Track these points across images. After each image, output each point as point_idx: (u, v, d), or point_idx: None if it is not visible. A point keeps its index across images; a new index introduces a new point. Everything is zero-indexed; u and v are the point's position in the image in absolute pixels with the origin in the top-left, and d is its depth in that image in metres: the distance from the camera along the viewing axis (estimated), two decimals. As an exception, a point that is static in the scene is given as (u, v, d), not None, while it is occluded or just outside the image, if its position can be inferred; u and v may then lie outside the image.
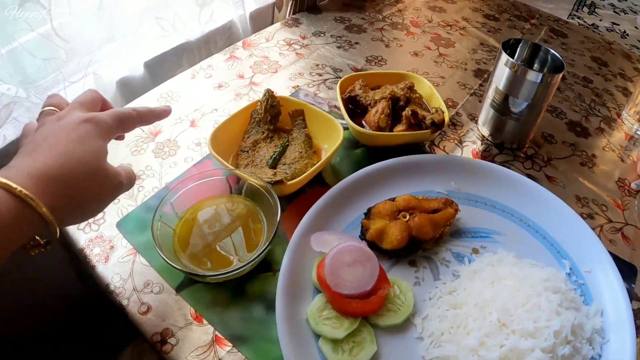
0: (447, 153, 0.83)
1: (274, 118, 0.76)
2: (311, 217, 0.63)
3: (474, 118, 0.92)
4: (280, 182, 0.64)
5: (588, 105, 1.03)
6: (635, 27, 1.68)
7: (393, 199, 0.65)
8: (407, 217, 0.62)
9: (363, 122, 0.79)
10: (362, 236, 0.62)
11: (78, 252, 0.63)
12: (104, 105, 0.53)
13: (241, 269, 0.56)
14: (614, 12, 1.78)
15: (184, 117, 0.84)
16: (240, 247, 0.61)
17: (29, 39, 0.75)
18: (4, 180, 0.38)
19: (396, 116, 0.78)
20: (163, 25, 1.01)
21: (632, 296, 0.64)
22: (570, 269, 0.63)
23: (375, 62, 1.05)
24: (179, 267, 0.54)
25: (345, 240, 0.59)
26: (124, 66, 0.95)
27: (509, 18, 1.35)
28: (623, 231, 0.74)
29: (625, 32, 1.63)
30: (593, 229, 0.71)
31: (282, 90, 0.93)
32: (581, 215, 0.74)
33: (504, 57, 0.76)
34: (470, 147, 0.85)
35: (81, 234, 0.64)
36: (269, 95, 0.75)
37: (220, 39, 1.13)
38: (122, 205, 0.68)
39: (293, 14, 1.21)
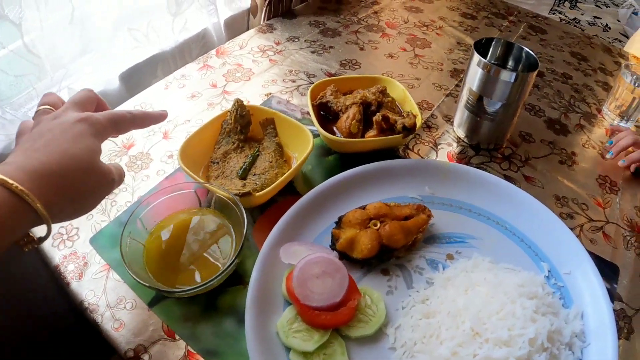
0: (422, 157, 0.82)
1: (244, 128, 0.75)
2: (281, 228, 0.62)
3: (449, 119, 0.91)
4: (248, 193, 0.62)
5: (567, 101, 1.02)
6: (617, 20, 1.68)
7: (364, 207, 0.63)
8: (378, 225, 0.61)
9: (334, 128, 0.78)
10: (333, 246, 0.61)
11: (53, 269, 0.62)
12: (99, 104, 0.54)
13: (209, 284, 0.54)
14: (596, 5, 1.78)
15: (156, 129, 0.83)
16: (208, 262, 0.59)
17: (0, 56, 0.74)
18: (0, 176, 0.39)
19: (368, 121, 0.76)
20: (136, 36, 1.00)
21: (614, 297, 0.63)
22: (549, 271, 0.62)
23: (350, 66, 1.04)
24: (147, 284, 0.53)
25: (315, 251, 0.59)
26: (99, 79, 0.94)
27: (486, 16, 1.35)
28: (604, 230, 0.73)
29: (607, 25, 1.63)
30: (573, 228, 0.71)
31: (255, 98, 0.91)
32: (560, 215, 0.73)
33: (476, 57, 0.75)
34: (446, 149, 0.84)
35: (56, 250, 0.64)
36: (239, 105, 0.74)
37: (195, 48, 1.12)
38: (95, 221, 0.67)
39: (268, 19, 1.19)
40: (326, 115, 0.81)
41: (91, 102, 0.52)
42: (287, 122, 0.75)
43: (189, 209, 0.64)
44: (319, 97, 0.81)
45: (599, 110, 1.00)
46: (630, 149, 0.84)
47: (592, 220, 0.74)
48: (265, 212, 0.69)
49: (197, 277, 0.57)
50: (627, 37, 1.87)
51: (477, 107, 0.79)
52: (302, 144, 0.72)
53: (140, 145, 0.79)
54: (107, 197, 0.59)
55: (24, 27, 0.75)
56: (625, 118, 0.95)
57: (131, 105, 0.88)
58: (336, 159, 0.78)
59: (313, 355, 0.51)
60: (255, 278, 0.57)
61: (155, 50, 1.03)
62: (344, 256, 0.60)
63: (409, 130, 0.71)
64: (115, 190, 0.71)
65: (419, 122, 0.73)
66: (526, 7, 1.45)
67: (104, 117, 0.49)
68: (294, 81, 0.97)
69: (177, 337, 0.55)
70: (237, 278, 0.61)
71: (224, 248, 0.60)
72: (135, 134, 0.81)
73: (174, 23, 1.05)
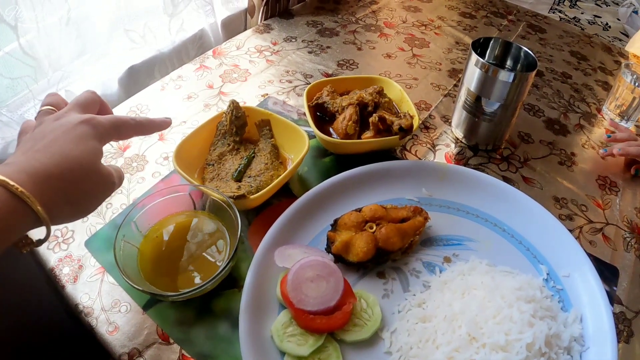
0: (419, 158, 0.81)
1: (239, 129, 0.74)
2: (276, 231, 0.62)
3: (447, 120, 0.90)
4: (242, 196, 0.62)
5: (567, 101, 1.01)
6: (617, 19, 1.67)
7: (359, 210, 0.63)
8: (374, 227, 0.60)
9: (331, 129, 0.77)
10: (329, 249, 0.60)
11: (48, 272, 0.62)
12: (101, 107, 0.54)
13: (202, 288, 0.54)
14: (596, 4, 1.77)
15: (152, 130, 0.82)
16: (203, 265, 0.59)
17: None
18: (1, 178, 0.39)
19: (365, 122, 0.76)
20: (133, 37, 0.99)
21: (613, 299, 0.63)
22: (548, 274, 0.61)
23: (347, 66, 1.03)
24: (140, 288, 0.52)
25: (310, 254, 0.58)
26: (96, 81, 0.94)
27: (485, 15, 1.34)
28: (604, 231, 0.72)
29: (607, 24, 1.62)
30: (572, 230, 0.70)
31: (252, 99, 0.91)
32: (560, 216, 0.73)
33: (474, 57, 0.74)
34: (444, 150, 0.83)
35: (51, 253, 0.63)
36: (234, 106, 0.73)
37: (192, 49, 1.11)
38: (90, 224, 0.66)
39: (265, 19, 1.19)
40: (323, 116, 0.80)
41: (94, 104, 0.52)
42: (282, 123, 0.74)
43: (183, 211, 0.64)
44: (315, 97, 0.80)
45: (599, 110, 1.00)
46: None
47: (592, 222, 0.73)
48: (260, 214, 0.68)
49: (191, 281, 0.57)
50: (627, 36, 1.86)
51: (475, 108, 0.78)
52: (298, 145, 0.71)
53: (136, 147, 0.79)
54: (104, 199, 0.59)
55: (20, 29, 0.75)
56: (626, 118, 0.94)
57: (127, 106, 0.88)
58: (332, 160, 0.77)
59: (307, 359, 0.51)
60: (249, 281, 0.56)
61: (152, 52, 1.03)
62: (339, 259, 0.59)
63: (406, 131, 0.70)
64: (111, 193, 0.71)
65: (416, 123, 0.73)
66: (525, 6, 1.44)
67: (107, 121, 0.49)
68: (290, 82, 0.97)
69: (171, 340, 0.55)
70: (232, 281, 0.60)
71: (218, 251, 0.60)
72: (131, 136, 0.80)
73: (170, 24, 1.05)
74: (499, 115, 0.77)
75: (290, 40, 1.11)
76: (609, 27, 1.59)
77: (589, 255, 0.61)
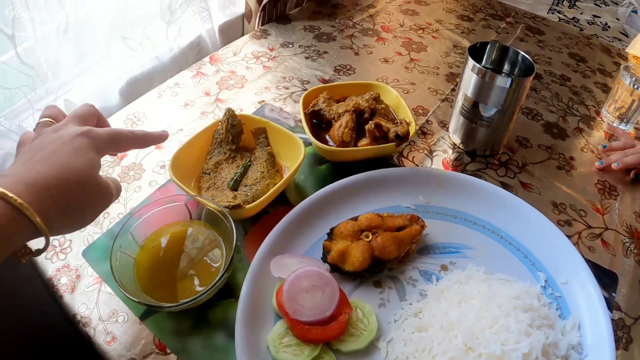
0: (417, 164, 0.81)
1: (235, 137, 0.74)
2: (272, 241, 0.61)
3: (445, 125, 0.90)
4: (238, 206, 0.61)
5: (565, 104, 1.00)
6: (617, 19, 1.66)
7: (355, 218, 0.62)
8: (370, 237, 0.60)
9: (327, 137, 0.77)
10: (325, 258, 0.60)
11: (46, 281, 0.62)
12: (99, 120, 0.54)
13: (198, 299, 0.54)
14: (595, 4, 1.77)
15: (149, 138, 0.82)
16: (199, 275, 0.58)
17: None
18: (1, 190, 0.39)
19: (361, 129, 0.75)
20: (131, 44, 0.99)
21: (612, 306, 0.62)
22: (546, 281, 0.61)
23: (344, 72, 1.03)
24: (136, 300, 0.52)
25: (306, 264, 0.58)
26: (95, 89, 0.94)
27: (483, 18, 1.33)
28: (603, 237, 0.72)
29: (606, 24, 1.61)
30: (571, 236, 0.70)
31: (248, 105, 0.90)
32: (558, 222, 0.72)
33: (471, 62, 0.74)
34: (441, 156, 0.83)
35: (49, 263, 0.63)
36: (230, 114, 0.73)
37: (190, 55, 1.11)
38: (88, 233, 0.66)
39: (262, 24, 1.19)
40: (319, 123, 0.80)
41: (92, 116, 0.52)
42: (278, 131, 0.74)
43: (179, 221, 0.64)
44: (311, 104, 0.80)
45: (598, 113, 0.99)
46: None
47: (591, 227, 0.73)
48: (257, 223, 0.68)
49: (188, 291, 0.57)
50: (627, 36, 1.86)
51: (472, 113, 0.78)
52: (294, 153, 0.71)
53: (133, 155, 0.79)
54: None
55: (17, 38, 0.75)
56: (625, 120, 0.93)
57: (124, 114, 0.87)
58: (329, 168, 0.77)
59: (304, 370, 0.51)
60: (245, 292, 0.56)
61: (150, 59, 1.02)
62: (335, 269, 0.59)
63: (402, 138, 0.70)
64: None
65: (412, 130, 0.72)
66: (524, 7, 1.43)
67: (105, 133, 0.49)
68: (287, 88, 0.96)
69: (168, 350, 0.55)
70: (228, 291, 0.60)
71: (214, 262, 0.60)
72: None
73: (168, 30, 1.05)
74: (496, 120, 0.77)
75: (287, 46, 1.11)
76: (609, 27, 1.58)
77: (588, 261, 0.61)
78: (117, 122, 0.86)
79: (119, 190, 0.53)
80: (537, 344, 0.50)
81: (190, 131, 0.83)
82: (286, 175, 0.69)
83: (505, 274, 0.60)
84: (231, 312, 0.57)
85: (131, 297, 0.52)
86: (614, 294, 0.64)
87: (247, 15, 1.19)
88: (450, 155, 0.83)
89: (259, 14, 1.17)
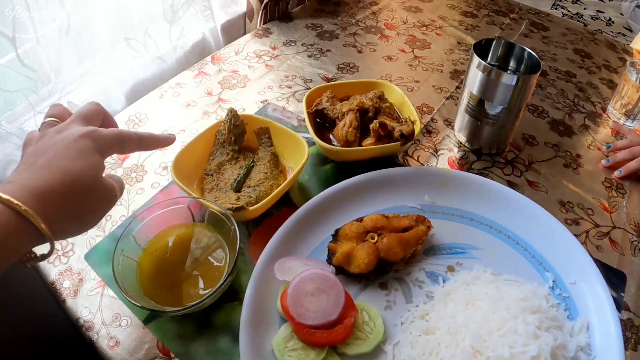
0: (422, 163, 0.80)
1: (238, 138, 0.73)
2: (276, 243, 0.61)
3: (450, 123, 0.89)
4: (241, 208, 0.61)
5: (571, 101, 0.99)
6: (621, 14, 1.65)
7: (361, 219, 0.62)
8: (375, 238, 0.59)
9: (331, 136, 0.76)
10: (329, 260, 0.59)
11: (49, 285, 0.62)
12: (105, 118, 0.54)
13: (202, 303, 0.53)
14: (599, -1, 1.75)
15: (150, 139, 0.81)
16: (202, 279, 0.58)
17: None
18: (5, 197, 0.39)
19: (366, 128, 0.74)
20: (133, 45, 0.98)
21: (621, 306, 0.61)
22: (554, 281, 0.60)
23: (347, 70, 1.02)
24: (139, 304, 0.52)
25: (310, 266, 0.57)
26: (96, 90, 0.93)
27: (487, 14, 1.32)
28: (611, 235, 0.71)
29: (610, 19, 1.60)
30: (578, 235, 0.69)
31: (251, 105, 0.90)
32: (565, 221, 0.71)
33: (476, 59, 0.73)
34: (447, 155, 0.82)
35: (51, 267, 0.63)
36: (232, 114, 0.72)
37: (193, 54, 1.10)
38: (90, 237, 0.66)
39: (264, 23, 1.18)
40: (322, 122, 0.79)
41: (98, 115, 0.52)
42: (281, 131, 0.73)
43: (182, 224, 0.63)
44: (314, 104, 0.79)
45: (604, 109, 0.98)
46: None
47: (598, 226, 0.72)
48: (260, 225, 0.67)
49: (191, 295, 0.56)
50: (631, 31, 1.84)
51: (478, 111, 0.77)
52: (298, 153, 0.70)
53: (135, 157, 0.78)
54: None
55: (18, 40, 0.74)
56: (632, 117, 0.92)
57: (126, 115, 0.87)
58: (333, 168, 0.76)
59: (309, 374, 0.50)
60: (250, 295, 0.56)
61: (153, 59, 1.02)
62: (340, 271, 0.59)
63: (407, 137, 0.69)
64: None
65: (417, 129, 0.71)
66: (528, 2, 1.42)
67: (110, 134, 0.49)
68: (290, 87, 0.95)
69: (172, 355, 0.54)
70: (232, 294, 0.59)
71: (218, 264, 0.59)
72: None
73: (170, 30, 1.04)
74: (502, 118, 0.76)
75: (290, 44, 1.10)
76: (612, 22, 1.57)
77: (596, 260, 0.60)
78: (119, 123, 0.84)
79: (122, 189, 0.53)
80: (545, 347, 0.49)
81: (193, 132, 0.83)
82: (290, 175, 0.68)
83: (512, 274, 0.59)
84: (235, 316, 0.57)
85: (134, 302, 0.51)
86: (622, 294, 0.63)
87: (248, 14, 1.18)
88: (455, 153, 0.82)
89: (260, 12, 1.16)
